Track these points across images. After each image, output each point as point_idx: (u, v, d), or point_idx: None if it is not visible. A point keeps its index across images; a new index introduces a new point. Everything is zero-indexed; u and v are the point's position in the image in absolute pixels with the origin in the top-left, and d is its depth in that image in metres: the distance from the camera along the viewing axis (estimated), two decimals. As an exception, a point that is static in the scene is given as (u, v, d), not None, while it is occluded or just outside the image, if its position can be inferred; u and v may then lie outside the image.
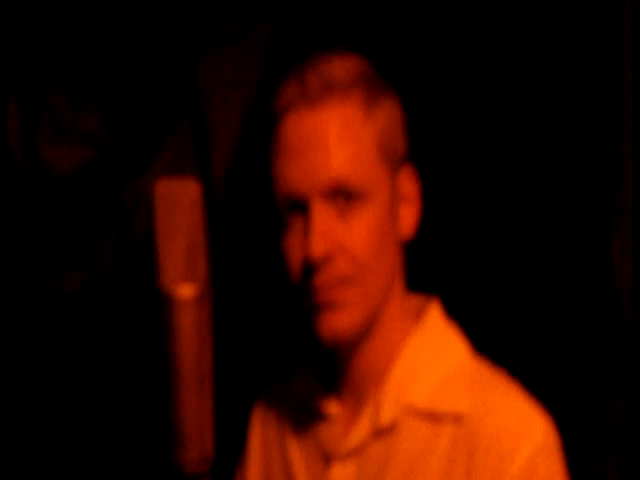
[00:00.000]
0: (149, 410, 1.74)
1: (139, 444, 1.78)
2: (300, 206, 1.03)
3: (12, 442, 1.85)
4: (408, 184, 1.10)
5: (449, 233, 1.64)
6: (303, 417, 1.18)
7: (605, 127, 1.52)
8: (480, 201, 1.65)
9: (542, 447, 1.00)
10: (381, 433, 1.06)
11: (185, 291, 0.73)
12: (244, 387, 1.34)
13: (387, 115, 1.06)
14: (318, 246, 1.00)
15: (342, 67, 1.05)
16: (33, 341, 1.88)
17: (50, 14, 1.76)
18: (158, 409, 0.73)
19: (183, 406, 0.71)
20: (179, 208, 0.78)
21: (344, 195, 1.02)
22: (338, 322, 1.02)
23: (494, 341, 1.29)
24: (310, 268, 1.01)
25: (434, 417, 1.04)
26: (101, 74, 1.79)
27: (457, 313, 1.16)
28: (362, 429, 1.07)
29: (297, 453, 1.17)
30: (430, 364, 1.08)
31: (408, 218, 1.10)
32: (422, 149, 1.18)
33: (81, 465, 1.88)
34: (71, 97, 1.80)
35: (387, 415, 1.06)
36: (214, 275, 0.78)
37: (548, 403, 1.06)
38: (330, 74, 1.03)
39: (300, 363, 1.24)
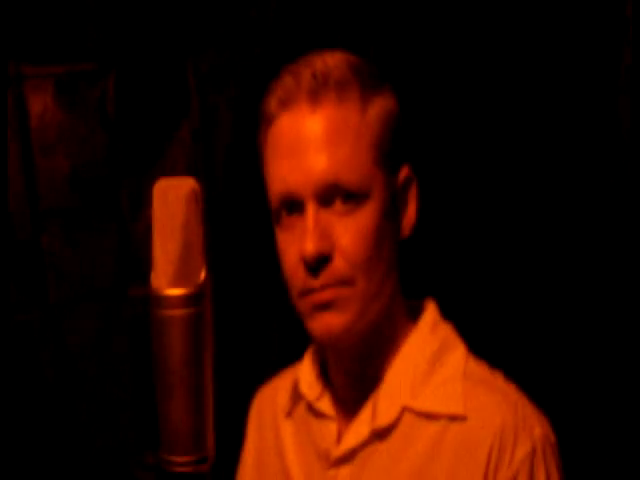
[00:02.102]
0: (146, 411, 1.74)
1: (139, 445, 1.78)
2: (296, 206, 1.02)
3: (11, 443, 1.86)
4: (405, 183, 1.09)
5: (444, 228, 1.65)
6: (300, 416, 1.17)
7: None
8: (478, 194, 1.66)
9: (539, 447, 1.00)
10: (380, 435, 1.06)
11: (177, 293, 0.73)
12: (244, 386, 1.34)
13: (384, 113, 1.05)
14: (314, 246, 0.99)
15: (337, 64, 1.03)
16: (33, 344, 1.88)
17: (51, 14, 1.76)
18: (153, 410, 0.73)
19: (174, 408, 0.71)
20: (177, 208, 0.77)
21: (340, 195, 1.01)
22: (333, 322, 1.02)
23: (492, 343, 1.29)
24: (306, 268, 1.01)
25: (434, 419, 1.04)
26: (99, 77, 1.79)
27: (454, 311, 1.16)
28: (360, 430, 1.07)
29: (293, 451, 1.16)
30: (428, 365, 1.08)
31: (405, 219, 1.09)
32: (420, 148, 1.18)
33: (81, 464, 1.89)
34: (65, 100, 1.80)
35: (385, 417, 1.06)
36: (213, 275, 0.77)
37: (546, 404, 1.06)
38: (325, 71, 1.02)
39: (298, 361, 1.24)
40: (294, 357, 1.25)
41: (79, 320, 1.89)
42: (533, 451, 0.99)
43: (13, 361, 1.89)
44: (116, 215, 1.87)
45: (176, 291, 0.73)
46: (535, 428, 1.01)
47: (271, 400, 1.26)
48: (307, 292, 1.02)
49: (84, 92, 1.81)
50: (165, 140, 1.82)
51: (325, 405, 1.13)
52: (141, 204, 1.75)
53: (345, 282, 1.01)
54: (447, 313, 1.14)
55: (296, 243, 1.02)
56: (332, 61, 1.04)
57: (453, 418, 1.03)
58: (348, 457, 1.08)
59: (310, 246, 0.99)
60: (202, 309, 0.73)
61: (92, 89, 1.81)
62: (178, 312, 0.72)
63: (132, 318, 1.81)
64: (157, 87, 1.82)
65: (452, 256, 1.66)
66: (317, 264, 1.00)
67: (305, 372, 1.19)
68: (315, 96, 1.01)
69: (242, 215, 1.77)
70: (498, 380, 1.08)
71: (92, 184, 1.87)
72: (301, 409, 1.18)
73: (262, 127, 1.08)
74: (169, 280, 0.72)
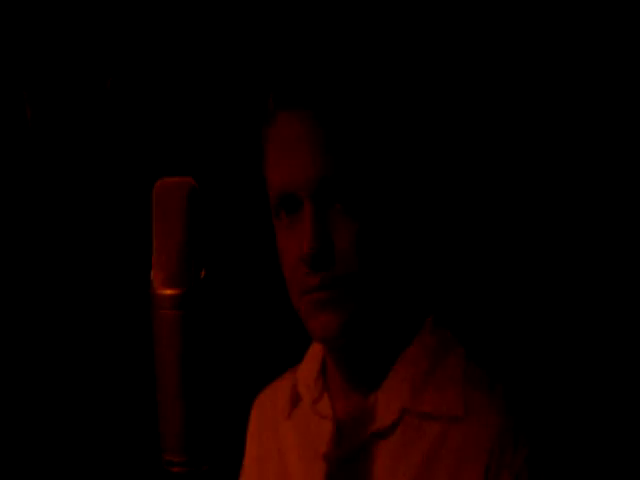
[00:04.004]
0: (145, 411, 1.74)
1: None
2: (296, 205, 1.03)
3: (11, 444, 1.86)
4: (406, 185, 1.09)
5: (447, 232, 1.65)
6: (300, 417, 1.17)
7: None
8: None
9: (540, 450, 1.00)
10: (381, 436, 1.06)
11: (175, 292, 0.73)
12: (245, 389, 1.34)
13: (384, 114, 1.06)
14: (313, 245, 0.99)
15: (338, 65, 1.04)
16: (34, 342, 1.89)
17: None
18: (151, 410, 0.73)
19: (169, 407, 0.71)
20: (176, 208, 0.78)
21: (340, 195, 1.01)
22: (331, 321, 1.02)
23: (492, 346, 1.29)
24: (305, 267, 1.01)
25: (434, 420, 1.04)
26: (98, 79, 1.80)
27: (455, 312, 1.16)
28: (360, 432, 1.07)
29: (294, 453, 1.16)
30: (428, 367, 1.08)
31: (406, 220, 1.09)
32: (422, 149, 1.18)
33: (79, 464, 1.89)
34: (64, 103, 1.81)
35: (385, 418, 1.06)
36: (213, 275, 0.77)
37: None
38: (325, 72, 1.03)
39: (300, 363, 1.24)
40: (295, 359, 1.25)
41: (84, 319, 1.90)
42: (533, 453, 0.99)
43: (13, 361, 1.89)
44: (118, 214, 1.88)
45: (174, 290, 0.73)
46: (535, 430, 1.01)
47: (271, 402, 1.26)
48: (306, 291, 1.02)
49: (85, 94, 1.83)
50: (166, 140, 1.82)
51: (324, 406, 1.13)
52: (142, 203, 1.75)
53: (344, 282, 1.01)
54: (447, 315, 1.14)
55: (296, 242, 1.02)
56: (332, 62, 1.04)
57: (453, 419, 1.03)
58: (348, 458, 1.08)
59: (309, 245, 0.99)
60: (200, 309, 0.73)
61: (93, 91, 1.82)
62: (176, 311, 0.72)
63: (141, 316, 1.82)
64: (158, 87, 1.83)
65: (453, 258, 1.66)
66: (316, 263, 1.00)
67: (304, 373, 1.19)
68: (315, 96, 1.02)
69: (242, 215, 1.77)
70: (498, 382, 1.08)
71: (94, 184, 1.88)
72: (301, 410, 1.18)
73: (262, 126, 1.08)
74: (168, 279, 0.73)
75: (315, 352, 1.19)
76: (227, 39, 1.78)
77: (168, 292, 0.73)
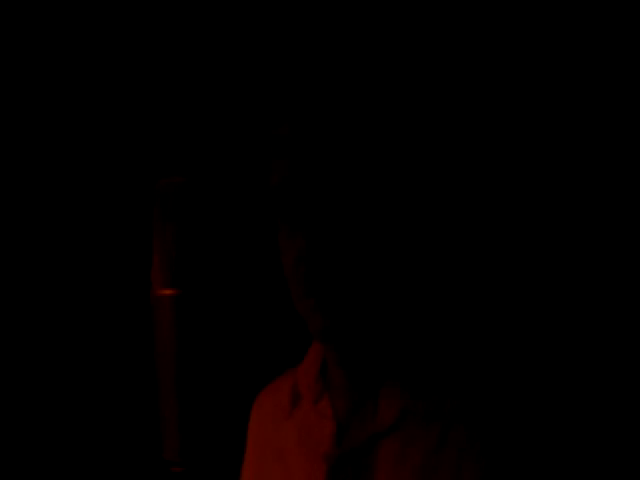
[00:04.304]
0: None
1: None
2: (295, 209, 1.03)
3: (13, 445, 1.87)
4: (401, 190, 1.09)
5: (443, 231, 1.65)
6: (301, 417, 1.18)
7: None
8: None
9: (540, 448, 1.01)
10: (381, 436, 1.06)
11: (172, 292, 0.73)
12: (244, 387, 1.34)
13: (381, 120, 1.07)
14: (310, 249, 1.00)
15: (342, 78, 1.05)
16: (34, 341, 1.89)
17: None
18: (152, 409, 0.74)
19: (167, 408, 0.71)
20: (175, 210, 0.78)
21: (336, 200, 1.02)
22: (329, 323, 1.03)
23: (491, 344, 1.29)
24: (303, 270, 1.02)
25: (434, 419, 1.04)
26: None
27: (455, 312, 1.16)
28: (361, 431, 1.07)
29: (295, 453, 1.17)
30: (428, 366, 1.08)
31: (400, 223, 1.09)
32: (416, 152, 1.19)
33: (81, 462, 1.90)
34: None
35: (386, 418, 1.06)
36: (212, 275, 0.78)
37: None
38: (329, 84, 1.04)
39: (300, 363, 1.24)
40: (295, 359, 1.25)
41: (84, 319, 1.90)
42: (534, 453, 1.00)
43: (13, 361, 1.90)
44: (118, 215, 1.88)
45: (174, 291, 0.73)
46: (536, 429, 1.01)
47: (272, 402, 1.26)
48: (306, 292, 1.03)
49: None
50: (165, 141, 1.83)
51: (325, 406, 1.13)
52: (142, 204, 1.75)
53: (342, 285, 1.02)
54: (446, 315, 1.15)
55: (295, 245, 1.03)
56: (336, 73, 1.06)
57: (454, 419, 1.03)
58: (349, 458, 1.08)
59: (305, 249, 1.00)
60: (200, 309, 0.74)
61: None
62: (175, 311, 0.73)
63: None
64: (157, 88, 1.84)
65: (450, 259, 1.66)
66: (313, 267, 1.01)
67: (304, 373, 1.19)
68: (315, 106, 1.03)
69: (242, 215, 1.77)
70: (497, 381, 1.08)
71: (94, 185, 1.89)
72: (302, 410, 1.18)
73: (265, 130, 1.09)
74: (167, 280, 0.73)
75: (315, 352, 1.19)
76: (228, 40, 1.79)
77: (168, 292, 0.73)
